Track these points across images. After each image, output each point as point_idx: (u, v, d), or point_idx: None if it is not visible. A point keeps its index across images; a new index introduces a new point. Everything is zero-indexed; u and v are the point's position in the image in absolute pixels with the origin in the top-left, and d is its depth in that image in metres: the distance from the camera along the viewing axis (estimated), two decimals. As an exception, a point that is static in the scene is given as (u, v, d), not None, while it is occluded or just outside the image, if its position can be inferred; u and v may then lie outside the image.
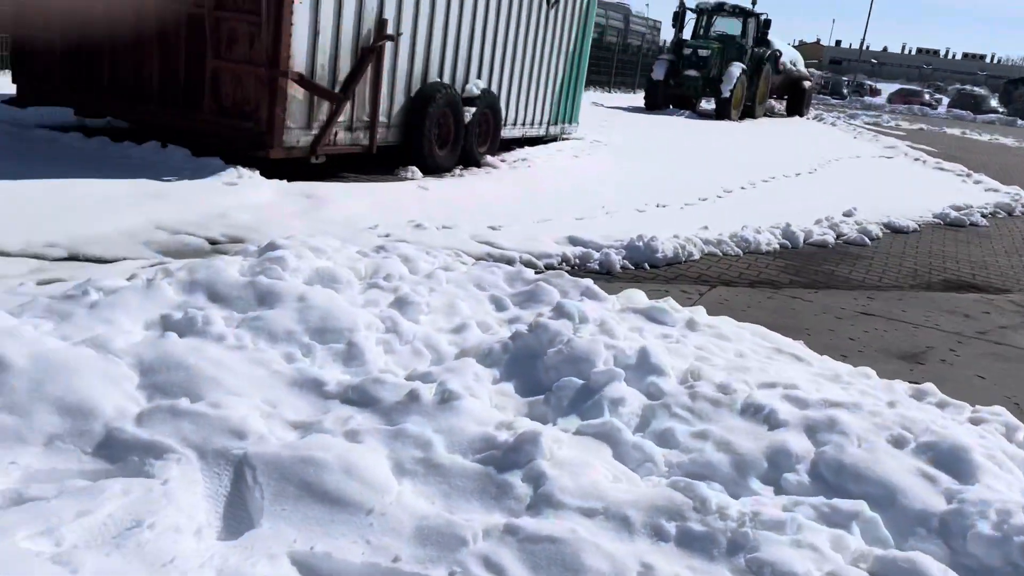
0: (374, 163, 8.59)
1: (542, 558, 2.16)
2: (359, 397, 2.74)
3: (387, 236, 5.65)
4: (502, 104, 10.37)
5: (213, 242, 5.35)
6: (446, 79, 9.15)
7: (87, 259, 4.75)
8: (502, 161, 10.22)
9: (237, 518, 2.24)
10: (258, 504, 2.26)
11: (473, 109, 9.38)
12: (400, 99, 8.53)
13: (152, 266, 4.36)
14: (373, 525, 2.23)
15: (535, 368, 3.20)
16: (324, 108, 7.51)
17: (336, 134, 7.76)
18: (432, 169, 8.83)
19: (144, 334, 2.97)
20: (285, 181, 7.12)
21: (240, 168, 7.11)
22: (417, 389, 2.74)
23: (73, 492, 2.11)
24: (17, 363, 2.54)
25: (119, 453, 2.35)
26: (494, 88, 10.14)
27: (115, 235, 5.24)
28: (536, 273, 4.58)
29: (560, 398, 3.01)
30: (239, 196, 6.46)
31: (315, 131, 7.49)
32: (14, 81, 8.29)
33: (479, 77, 9.79)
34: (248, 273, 3.44)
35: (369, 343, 3.08)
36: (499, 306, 3.88)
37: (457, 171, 9.28)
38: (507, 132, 10.76)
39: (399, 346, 3.18)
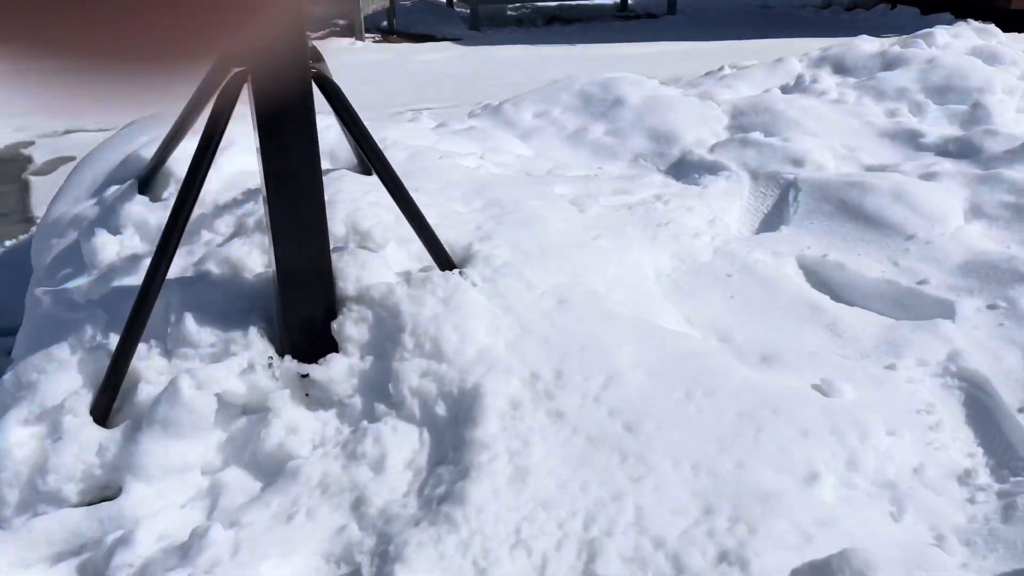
0: None
1: None
2: (958, 148, 2.24)
3: None
4: None
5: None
6: None
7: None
8: None
9: (761, 227, 2.11)
10: (787, 218, 2.08)
11: None
12: None
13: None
14: (909, 250, 1.83)
15: None
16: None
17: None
18: None
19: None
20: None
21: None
22: (1038, 138, 2.10)
23: (623, 178, 2.29)
24: (631, 101, 2.83)
25: (684, 171, 2.43)
26: None
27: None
28: None
29: None
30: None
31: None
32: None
33: None
34: (885, 47, 3.08)
35: (1003, 107, 2.46)
36: None
37: None
38: None
39: (1051, 115, 2.45)
